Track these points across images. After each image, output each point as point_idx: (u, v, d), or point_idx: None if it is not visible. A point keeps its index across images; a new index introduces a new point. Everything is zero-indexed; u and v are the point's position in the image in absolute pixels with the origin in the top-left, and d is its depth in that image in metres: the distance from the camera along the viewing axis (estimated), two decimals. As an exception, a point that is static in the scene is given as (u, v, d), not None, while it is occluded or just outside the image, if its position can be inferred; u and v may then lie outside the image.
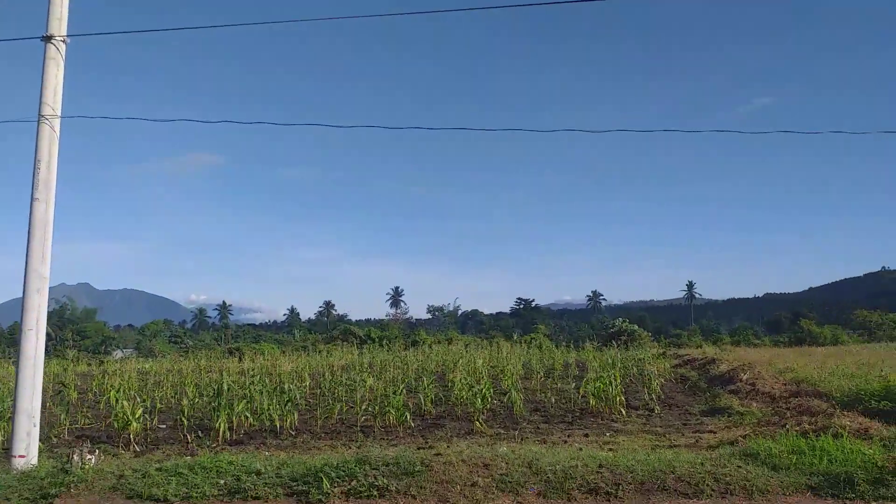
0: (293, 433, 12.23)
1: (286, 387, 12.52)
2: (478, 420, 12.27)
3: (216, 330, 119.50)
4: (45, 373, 29.32)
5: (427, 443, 10.91)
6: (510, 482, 7.18)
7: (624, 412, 13.34)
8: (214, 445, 11.21)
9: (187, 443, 11.38)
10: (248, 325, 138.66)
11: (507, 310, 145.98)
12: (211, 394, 12.47)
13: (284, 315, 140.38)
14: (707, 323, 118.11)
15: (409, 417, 12.09)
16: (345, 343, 60.17)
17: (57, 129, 9.48)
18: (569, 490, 7.08)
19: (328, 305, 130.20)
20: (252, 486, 7.34)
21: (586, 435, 11.42)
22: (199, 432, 11.99)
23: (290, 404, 12.10)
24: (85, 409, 14.76)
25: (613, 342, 47.54)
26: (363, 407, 12.21)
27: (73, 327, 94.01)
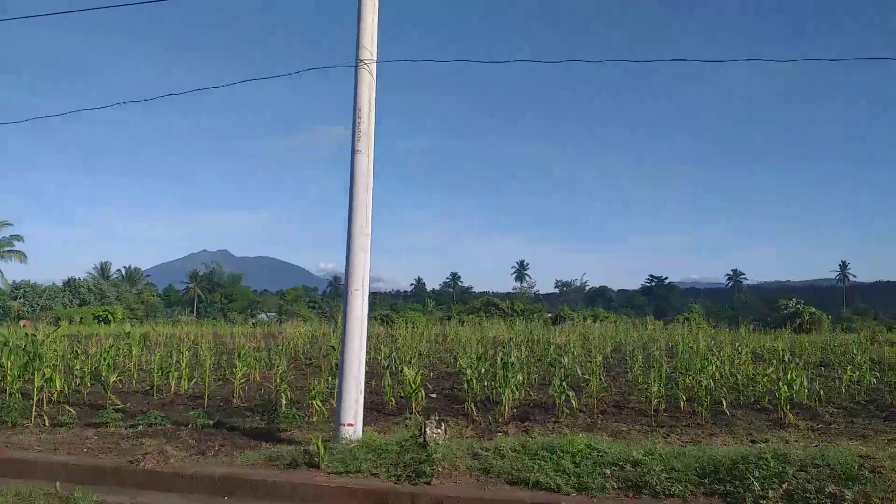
0: (567, 411, 11.22)
1: (565, 360, 11.48)
2: (785, 409, 10.71)
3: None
4: (231, 333, 30.00)
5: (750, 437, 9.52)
6: None
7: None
8: (500, 420, 10.39)
9: (471, 416, 10.63)
10: (376, 293, 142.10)
11: (636, 286, 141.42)
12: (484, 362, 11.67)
13: (411, 285, 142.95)
14: (862, 307, 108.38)
15: (724, 404, 10.71)
16: (488, 315, 59.76)
17: (374, 74, 8.75)
18: None
19: (454, 277, 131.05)
20: (658, 482, 6.24)
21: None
22: (475, 405, 11.23)
23: (568, 380, 11.07)
24: (325, 375, 14.49)
25: (788, 325, 44.01)
26: (654, 389, 10.90)
27: (222, 291, 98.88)
